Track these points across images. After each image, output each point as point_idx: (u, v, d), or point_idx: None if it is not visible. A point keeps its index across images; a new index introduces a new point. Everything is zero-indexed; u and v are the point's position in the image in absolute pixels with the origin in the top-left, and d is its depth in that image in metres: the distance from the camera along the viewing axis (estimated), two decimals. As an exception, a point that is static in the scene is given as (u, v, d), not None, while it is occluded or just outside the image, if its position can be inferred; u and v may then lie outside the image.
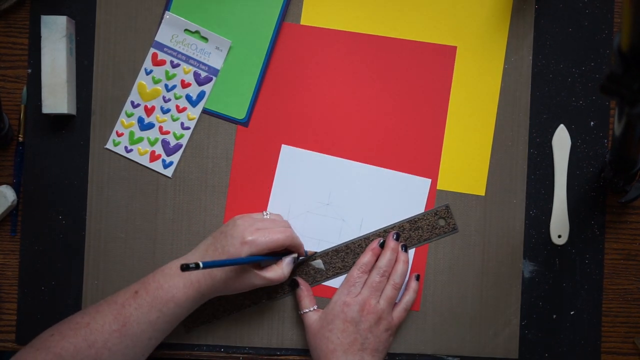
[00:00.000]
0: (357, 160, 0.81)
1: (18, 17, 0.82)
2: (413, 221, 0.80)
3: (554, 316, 0.81)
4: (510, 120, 0.81)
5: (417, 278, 0.79)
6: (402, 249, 0.79)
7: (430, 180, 0.80)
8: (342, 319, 0.74)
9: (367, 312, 0.75)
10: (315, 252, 0.80)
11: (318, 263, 0.80)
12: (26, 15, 0.82)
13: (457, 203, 0.81)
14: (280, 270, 0.75)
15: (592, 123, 0.81)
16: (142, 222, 0.81)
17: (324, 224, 0.80)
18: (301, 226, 0.80)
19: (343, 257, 0.80)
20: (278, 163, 0.80)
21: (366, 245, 0.80)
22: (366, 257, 0.78)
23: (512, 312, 0.80)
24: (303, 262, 0.80)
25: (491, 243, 0.81)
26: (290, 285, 0.80)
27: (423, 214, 0.80)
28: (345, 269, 0.80)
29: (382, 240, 0.79)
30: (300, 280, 0.79)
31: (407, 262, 0.79)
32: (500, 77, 0.81)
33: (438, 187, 0.81)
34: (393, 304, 0.77)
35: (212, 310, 0.80)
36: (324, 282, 0.80)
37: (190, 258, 0.74)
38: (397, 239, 0.79)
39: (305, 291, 0.79)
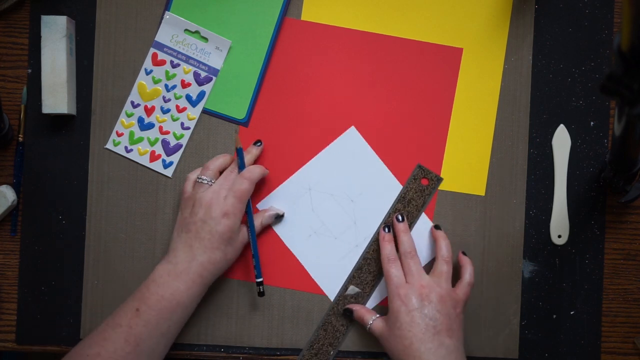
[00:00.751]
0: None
1: (18, 17, 0.82)
2: (402, 198, 0.80)
3: (554, 316, 0.81)
4: (510, 120, 0.81)
5: (437, 227, 0.79)
6: (398, 219, 0.79)
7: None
8: (405, 312, 0.72)
9: (425, 294, 0.72)
10: (258, 141, 0.80)
11: (352, 289, 0.80)
12: (26, 15, 0.82)
13: (457, 203, 0.81)
14: (259, 220, 0.78)
15: (592, 123, 0.81)
16: (142, 222, 0.81)
17: (338, 216, 0.81)
18: (318, 203, 0.80)
19: (367, 269, 0.80)
20: (337, 139, 0.80)
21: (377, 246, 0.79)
22: (387, 249, 0.77)
23: (512, 312, 0.80)
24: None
25: (491, 243, 0.81)
26: (345, 316, 0.80)
27: (405, 187, 0.80)
28: (377, 277, 0.80)
29: (385, 226, 0.78)
30: (350, 306, 0.79)
31: (445, 237, 0.78)
32: (500, 77, 0.81)
33: (439, 188, 0.81)
34: (444, 277, 0.75)
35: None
36: (367, 301, 0.80)
37: (176, 261, 0.73)
38: (402, 220, 0.78)
39: (361, 309, 0.78)
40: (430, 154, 0.81)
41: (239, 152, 0.77)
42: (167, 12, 0.81)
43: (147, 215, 0.81)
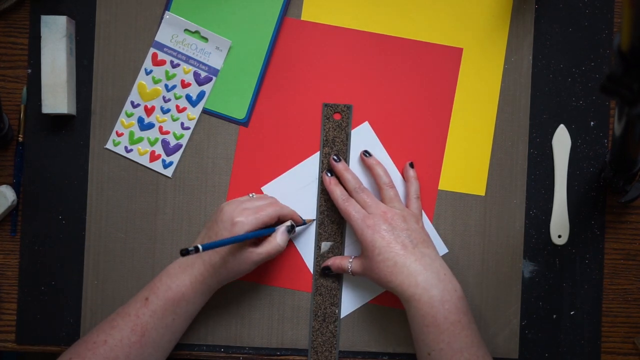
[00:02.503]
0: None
1: (18, 17, 0.82)
2: (325, 142, 0.80)
3: (554, 316, 0.81)
4: (510, 120, 0.81)
5: (412, 165, 0.80)
6: (365, 155, 0.79)
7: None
8: (380, 238, 0.73)
9: (390, 218, 0.74)
10: (313, 219, 0.80)
11: (325, 245, 0.80)
12: (26, 15, 0.82)
13: (458, 203, 0.81)
14: (274, 240, 0.75)
15: (592, 123, 0.81)
16: (142, 222, 0.81)
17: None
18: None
19: (329, 220, 0.80)
20: (354, 129, 0.80)
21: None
22: (337, 192, 0.78)
23: (512, 312, 0.80)
24: (303, 230, 0.81)
25: (491, 243, 0.81)
26: (326, 275, 0.80)
27: (323, 129, 0.80)
28: (341, 224, 0.81)
29: (327, 171, 0.80)
30: (324, 263, 0.79)
31: (379, 162, 0.79)
32: (501, 77, 0.81)
33: (439, 188, 0.81)
34: (396, 200, 0.77)
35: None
36: (344, 249, 0.81)
37: (198, 276, 0.74)
38: (339, 160, 0.79)
39: (335, 260, 0.79)
40: (430, 154, 0.81)
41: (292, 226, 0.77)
42: (167, 12, 0.81)
43: (147, 215, 0.81)
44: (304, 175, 0.81)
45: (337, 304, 0.80)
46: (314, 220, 0.80)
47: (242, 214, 0.73)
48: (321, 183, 0.81)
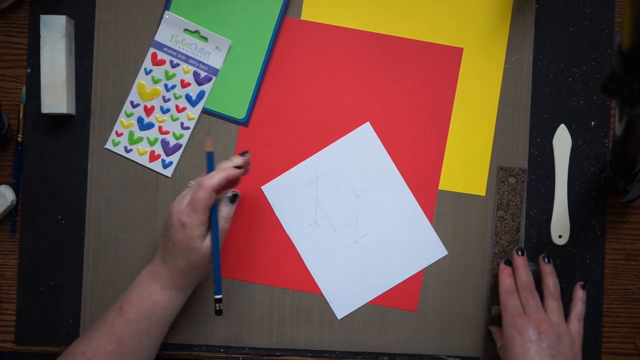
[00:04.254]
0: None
1: (17, 17, 0.82)
2: (500, 205, 0.80)
3: (555, 316, 0.81)
4: (511, 120, 0.81)
5: (583, 287, 0.77)
6: (544, 260, 0.77)
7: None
8: (520, 343, 0.69)
9: (543, 328, 0.69)
10: (245, 152, 0.75)
11: (495, 309, 0.79)
12: (25, 14, 0.82)
13: (458, 203, 0.81)
14: (221, 220, 0.73)
15: (592, 123, 0.81)
16: (142, 222, 0.81)
17: (341, 209, 0.80)
18: (322, 194, 0.80)
19: None
20: (353, 131, 0.80)
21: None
22: (506, 282, 0.75)
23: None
24: (304, 231, 0.80)
25: (491, 243, 0.81)
26: (488, 337, 0.79)
27: (497, 193, 0.80)
28: None
29: (506, 260, 0.77)
30: (491, 327, 0.78)
31: (553, 272, 0.76)
32: (501, 77, 0.81)
33: (440, 188, 0.81)
34: (557, 314, 0.73)
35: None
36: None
37: (155, 262, 0.74)
38: (522, 254, 0.77)
39: (497, 332, 0.76)
40: (430, 154, 0.81)
41: (208, 157, 0.74)
42: (166, 12, 0.81)
43: (147, 215, 0.81)
44: (304, 176, 0.81)
45: None
46: (245, 152, 0.75)
47: (186, 213, 0.70)
48: (318, 187, 0.80)
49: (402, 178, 0.80)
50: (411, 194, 0.80)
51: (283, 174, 0.81)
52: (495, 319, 0.79)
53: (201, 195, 0.70)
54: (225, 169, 0.72)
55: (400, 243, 0.80)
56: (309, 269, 0.81)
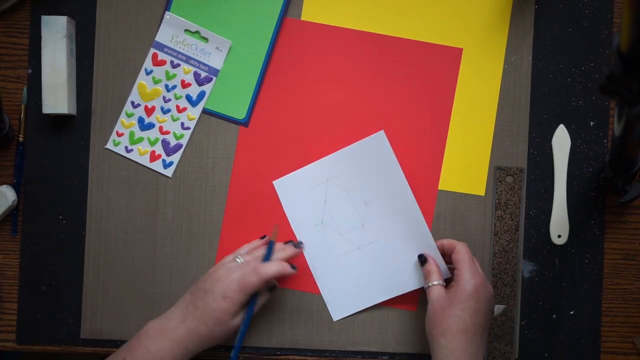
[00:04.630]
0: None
1: (18, 18, 0.82)
2: (498, 204, 0.80)
3: (554, 316, 0.81)
4: (510, 120, 0.81)
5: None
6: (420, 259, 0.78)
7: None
8: (476, 299, 0.72)
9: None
10: (300, 243, 0.80)
11: (497, 308, 0.79)
12: (26, 15, 0.82)
13: (458, 203, 0.81)
14: (257, 306, 0.76)
15: (591, 123, 0.81)
16: (142, 222, 0.81)
17: (348, 214, 0.80)
18: (332, 196, 0.80)
19: (501, 283, 0.80)
20: (366, 138, 0.79)
21: None
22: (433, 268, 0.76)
23: (512, 311, 0.80)
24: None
25: (491, 243, 0.81)
26: (419, 260, 0.78)
27: (495, 193, 0.80)
28: (514, 285, 0.80)
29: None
30: (428, 256, 0.77)
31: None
32: (500, 77, 0.81)
33: (439, 187, 0.81)
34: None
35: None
36: (517, 312, 0.80)
37: (170, 317, 0.73)
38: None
39: (433, 265, 0.76)
40: (430, 154, 0.81)
41: (270, 245, 0.77)
42: (167, 12, 0.81)
43: (147, 215, 0.81)
44: (316, 176, 0.80)
45: (512, 343, 0.80)
46: (301, 244, 0.80)
47: (231, 288, 0.72)
48: (327, 190, 0.80)
49: (411, 192, 0.79)
50: (419, 211, 0.79)
51: (296, 171, 0.81)
52: (495, 319, 0.79)
53: (254, 281, 0.73)
54: (283, 265, 0.75)
55: (403, 257, 0.79)
56: (310, 268, 0.81)
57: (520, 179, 0.80)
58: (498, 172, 0.80)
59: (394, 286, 0.79)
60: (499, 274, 0.80)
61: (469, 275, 0.73)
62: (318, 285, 0.81)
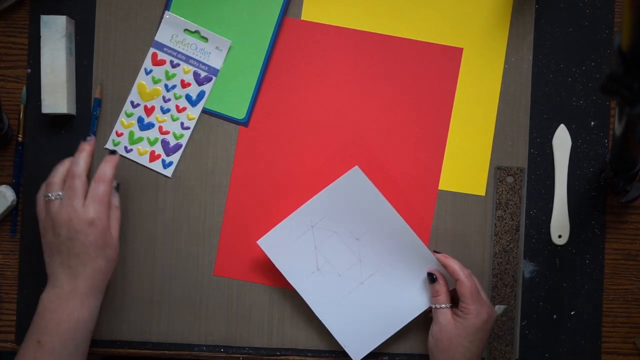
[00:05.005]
0: (358, 160, 0.80)
1: (18, 17, 0.82)
2: (498, 204, 0.80)
3: (555, 316, 0.81)
4: (511, 120, 0.81)
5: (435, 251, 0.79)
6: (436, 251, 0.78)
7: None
8: (483, 330, 0.73)
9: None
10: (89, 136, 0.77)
11: (499, 308, 0.79)
12: (26, 15, 0.82)
13: (458, 203, 0.81)
14: (115, 210, 0.75)
15: (592, 123, 0.81)
16: (142, 222, 0.81)
17: (342, 253, 0.79)
18: (320, 241, 0.79)
19: (502, 284, 0.80)
20: (341, 177, 0.77)
21: None
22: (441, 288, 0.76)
23: (513, 312, 0.80)
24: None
25: (491, 243, 0.81)
26: (428, 277, 0.77)
27: (496, 193, 0.79)
28: (514, 285, 0.80)
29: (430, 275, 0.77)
30: (437, 274, 0.76)
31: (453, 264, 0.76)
32: (501, 77, 0.81)
33: (439, 187, 0.81)
34: None
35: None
36: (518, 313, 0.80)
37: (58, 284, 0.71)
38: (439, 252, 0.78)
39: (443, 286, 0.76)
40: (430, 154, 0.81)
41: (95, 107, 0.75)
42: (167, 12, 0.81)
43: (147, 215, 0.81)
44: (299, 225, 0.78)
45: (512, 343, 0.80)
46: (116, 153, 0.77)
47: (89, 212, 0.70)
48: (314, 235, 0.79)
49: (399, 216, 0.77)
50: (411, 230, 0.77)
51: (277, 226, 0.78)
52: (496, 319, 0.79)
53: (104, 189, 0.72)
54: (109, 163, 0.74)
55: (407, 281, 0.78)
56: (318, 316, 0.79)
57: (521, 179, 0.80)
58: (498, 172, 0.80)
59: (405, 312, 0.78)
60: (499, 274, 0.80)
61: (477, 308, 0.73)
62: (330, 331, 0.79)
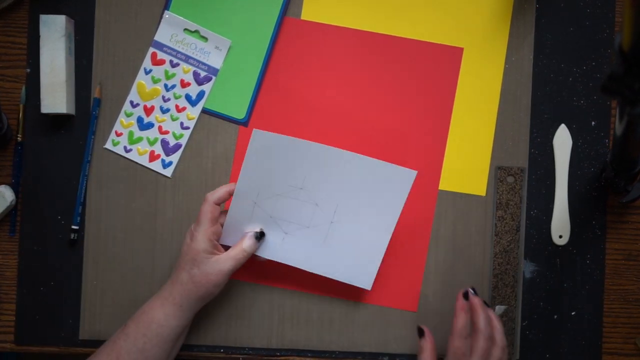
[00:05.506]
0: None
1: (17, 17, 0.82)
2: (499, 205, 0.79)
3: (555, 316, 0.81)
4: (511, 120, 0.81)
5: (465, 295, 0.74)
6: (465, 296, 0.73)
7: (416, 172, 0.74)
8: None
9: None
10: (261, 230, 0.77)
11: (499, 309, 0.79)
12: (25, 14, 0.82)
13: (458, 203, 0.81)
14: (239, 246, 0.74)
15: (593, 123, 0.81)
16: (142, 222, 0.81)
17: (296, 208, 0.77)
18: (271, 209, 0.77)
19: (502, 284, 0.79)
20: (248, 147, 0.74)
21: None
22: (461, 320, 0.71)
23: (513, 312, 0.80)
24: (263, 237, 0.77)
25: (491, 243, 0.81)
26: (417, 331, 0.75)
27: (496, 192, 0.79)
28: (515, 285, 0.79)
29: (465, 291, 0.73)
30: (426, 330, 0.74)
31: (483, 306, 0.72)
32: (501, 77, 0.81)
33: (440, 188, 0.81)
34: None
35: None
36: (518, 313, 0.79)
37: (167, 282, 0.74)
38: (475, 294, 0.73)
39: (429, 344, 0.73)
40: (430, 154, 0.81)
41: (94, 106, 0.76)
42: (166, 12, 0.81)
43: (147, 215, 0.81)
44: (243, 209, 0.76)
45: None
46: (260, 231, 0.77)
47: (193, 226, 0.74)
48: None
49: (318, 144, 0.74)
50: (339, 150, 0.74)
51: (226, 221, 0.76)
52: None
53: (204, 208, 0.73)
54: (229, 185, 0.75)
55: (368, 194, 0.75)
56: (312, 271, 0.78)
57: (521, 179, 0.80)
58: (499, 172, 0.80)
59: (384, 224, 0.76)
60: (499, 274, 0.80)
61: None
62: (331, 277, 0.78)
